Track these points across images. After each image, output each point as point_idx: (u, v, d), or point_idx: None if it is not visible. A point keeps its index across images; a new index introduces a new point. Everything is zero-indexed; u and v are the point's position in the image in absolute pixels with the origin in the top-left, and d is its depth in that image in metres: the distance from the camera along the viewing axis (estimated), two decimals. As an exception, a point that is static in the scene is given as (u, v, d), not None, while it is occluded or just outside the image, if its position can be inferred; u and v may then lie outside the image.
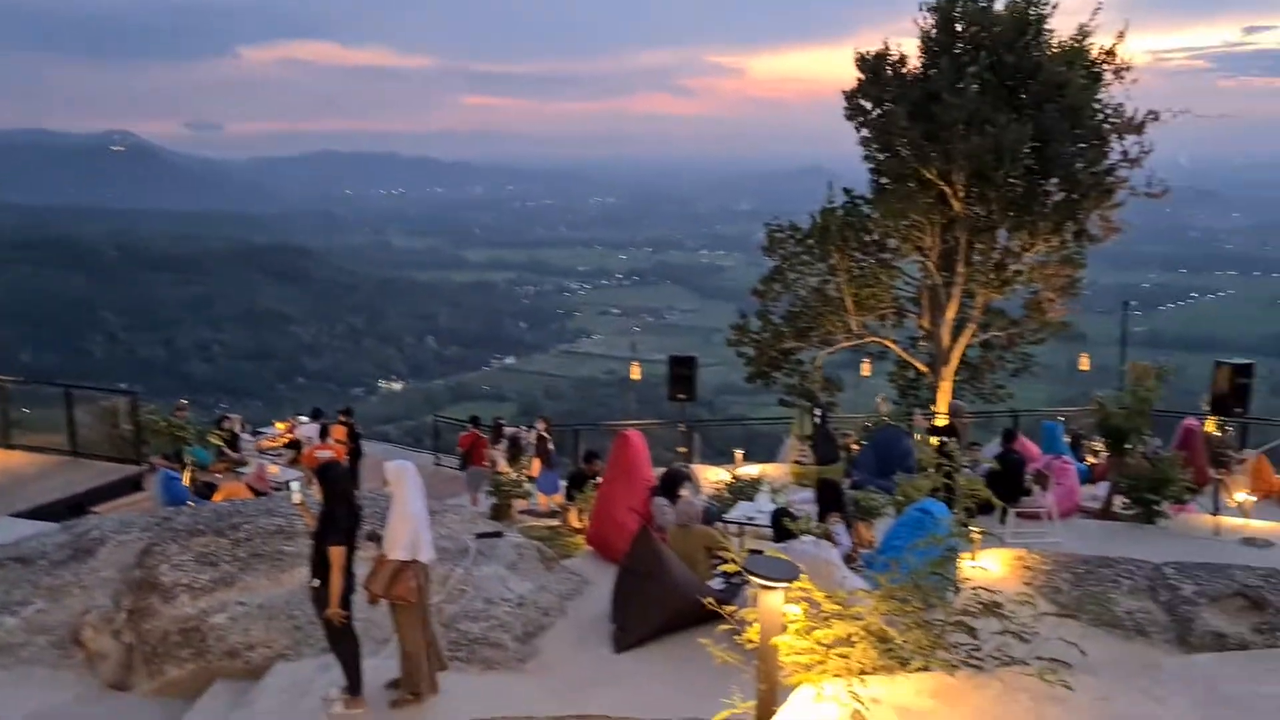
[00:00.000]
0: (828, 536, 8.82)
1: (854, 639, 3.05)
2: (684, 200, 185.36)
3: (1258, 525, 12.40)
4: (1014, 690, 3.01)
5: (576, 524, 11.49)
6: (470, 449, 15.28)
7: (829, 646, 3.05)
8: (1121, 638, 7.31)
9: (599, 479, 11.48)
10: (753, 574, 3.15)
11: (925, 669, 3.13)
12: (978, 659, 3.24)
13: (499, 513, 12.41)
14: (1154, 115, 18.79)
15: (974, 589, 3.58)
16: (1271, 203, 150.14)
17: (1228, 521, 12.47)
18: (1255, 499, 14.15)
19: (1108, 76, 18.93)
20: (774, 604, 3.10)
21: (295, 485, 6.68)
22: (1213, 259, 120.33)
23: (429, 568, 6.40)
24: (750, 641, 3.25)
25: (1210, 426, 14.87)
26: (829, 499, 9.59)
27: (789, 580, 3.15)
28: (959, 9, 18.85)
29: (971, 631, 3.28)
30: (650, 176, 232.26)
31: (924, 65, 19.14)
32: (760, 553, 3.40)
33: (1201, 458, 14.08)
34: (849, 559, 8.57)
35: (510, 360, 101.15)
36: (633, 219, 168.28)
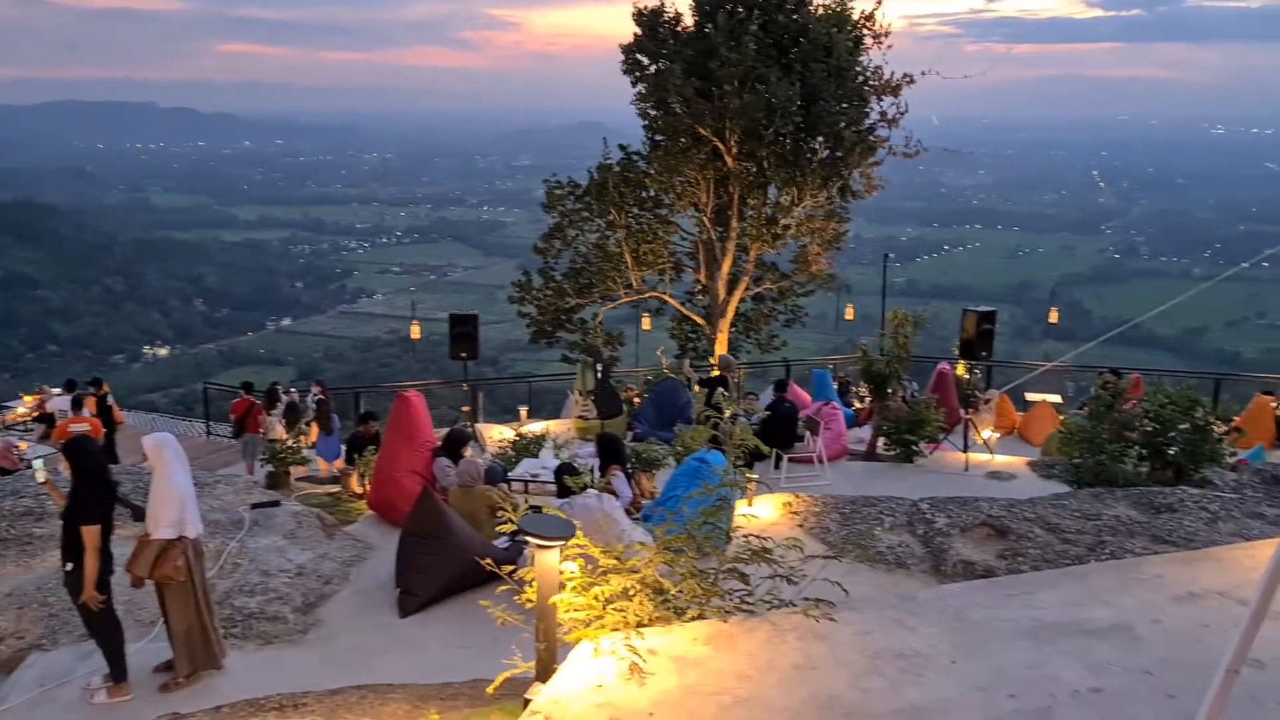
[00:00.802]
0: (610, 489, 8.93)
1: (631, 592, 3.09)
2: (464, 155, 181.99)
3: (1001, 460, 13.42)
4: (783, 631, 3.13)
5: (357, 489, 11.18)
6: (244, 416, 14.57)
7: (607, 601, 3.08)
8: (885, 571, 7.77)
9: (379, 441, 11.20)
10: (528, 533, 3.14)
11: (700, 617, 3.21)
12: (749, 604, 3.35)
13: (275, 481, 11.90)
14: (909, 77, 19.89)
15: (746, 536, 3.70)
16: (1012, 160, 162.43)
17: (976, 457, 13.42)
18: (999, 435, 15.37)
19: (868, 40, 19.86)
20: (550, 562, 3.11)
21: (38, 463, 6.17)
22: (962, 213, 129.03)
23: (199, 543, 6.07)
24: (529, 601, 3.24)
25: (961, 370, 15.99)
26: (610, 452, 9.68)
27: (565, 538, 3.15)
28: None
29: (744, 578, 3.39)
30: (428, 131, 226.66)
31: (699, 22, 19.45)
32: (539, 510, 3.39)
33: (953, 399, 15.06)
34: (631, 510, 8.72)
35: (286, 322, 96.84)
36: (411, 175, 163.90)
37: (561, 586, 3.13)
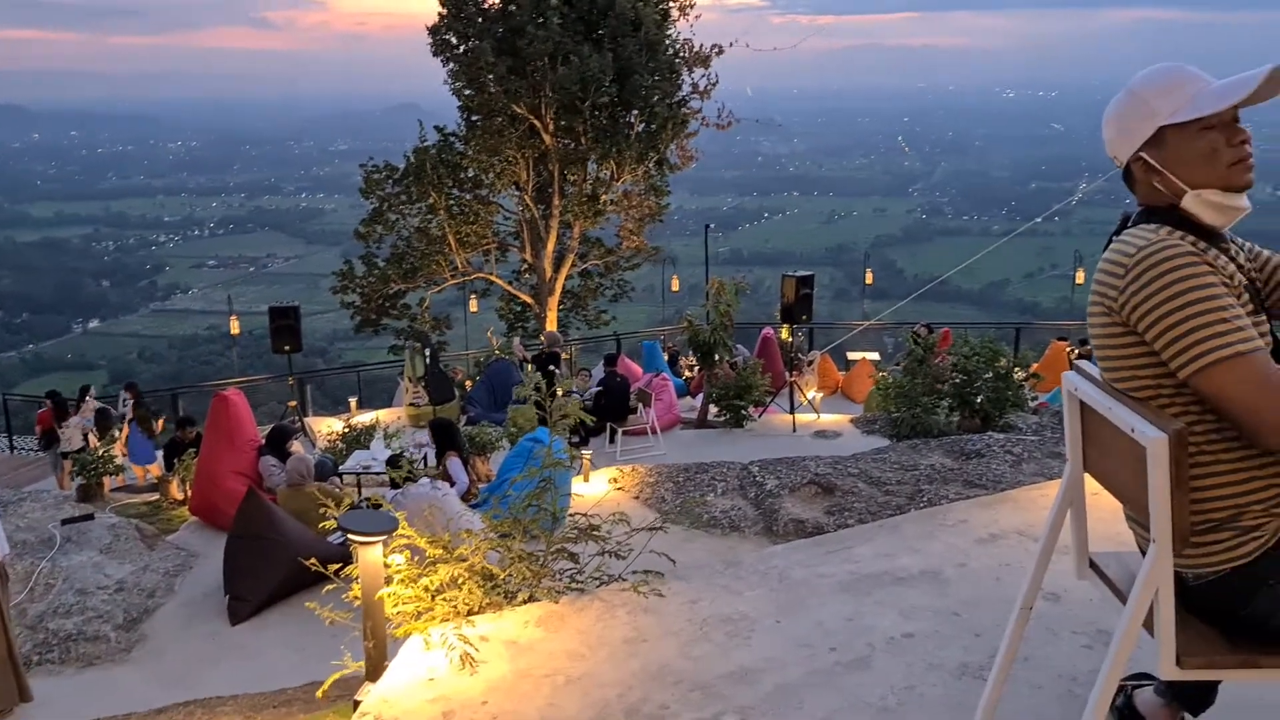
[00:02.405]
0: (445, 476, 8.83)
1: (460, 581, 3.07)
2: (276, 142, 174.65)
3: (827, 419, 13.92)
4: (613, 607, 3.17)
5: (178, 495, 10.68)
6: (51, 427, 13.70)
7: (435, 592, 3.05)
8: (720, 536, 7.94)
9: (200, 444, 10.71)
10: (348, 530, 3.08)
11: (532, 600, 3.22)
12: (580, 583, 3.38)
13: (89, 493, 11.24)
14: (718, 49, 20.25)
15: (574, 515, 3.73)
16: (823, 128, 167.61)
17: (803, 418, 13.88)
18: (823, 395, 15.92)
19: (675, 13, 20.12)
20: (374, 557, 3.05)
21: None
22: (779, 181, 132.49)
23: (2, 566, 5.69)
24: (356, 599, 3.18)
25: (785, 334, 16.47)
26: (444, 438, 9.57)
27: (388, 531, 3.10)
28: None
29: (573, 557, 3.41)
30: (236, 118, 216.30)
31: (504, 1, 19.27)
32: (365, 504, 3.32)
33: (778, 363, 15.51)
34: (468, 496, 8.65)
35: (95, 324, 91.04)
36: (221, 163, 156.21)
37: (387, 581, 3.09)
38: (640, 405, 13.12)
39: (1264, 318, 1.83)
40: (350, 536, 3.07)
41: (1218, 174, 1.80)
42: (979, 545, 3.64)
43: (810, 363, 16.80)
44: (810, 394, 14.89)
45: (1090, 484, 2.09)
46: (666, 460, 10.95)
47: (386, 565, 3.12)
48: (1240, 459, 1.78)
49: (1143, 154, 1.88)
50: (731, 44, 20.48)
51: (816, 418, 13.96)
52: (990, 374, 10.45)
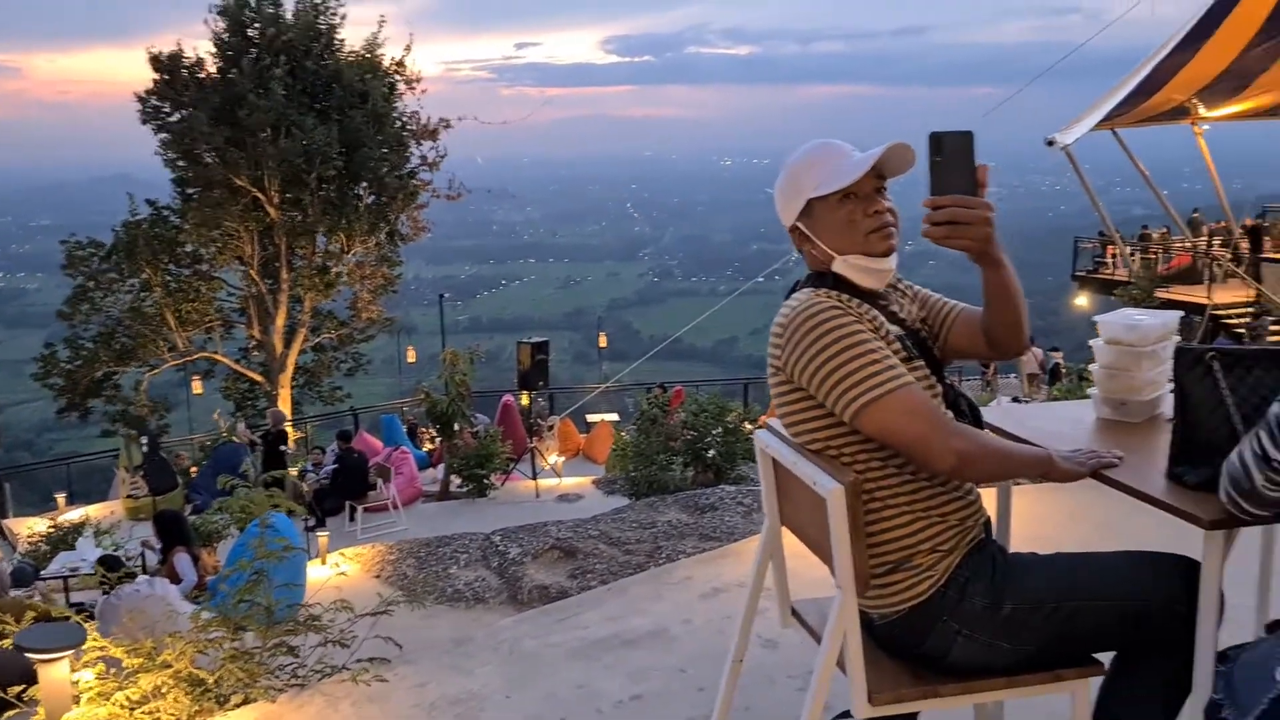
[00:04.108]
0: (171, 573, 8.21)
1: (164, 689, 2.85)
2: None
3: (569, 482, 14.03)
4: (335, 700, 3.03)
5: None
6: None
7: (136, 705, 2.81)
8: (465, 609, 7.79)
9: None
10: (24, 648, 2.79)
11: (247, 701, 3.03)
12: (301, 678, 3.22)
13: None
14: (446, 122, 20.36)
15: (306, 605, 3.56)
16: (555, 196, 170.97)
17: (546, 483, 13.92)
18: (565, 458, 16.05)
19: (401, 86, 20.08)
20: (58, 675, 2.78)
21: None
22: (515, 249, 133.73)
23: None
24: (45, 723, 2.88)
25: (524, 400, 16.52)
26: (169, 530, 8.89)
27: (74, 644, 2.83)
28: (248, 13, 18.61)
29: (293, 650, 3.25)
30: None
31: (222, 69, 18.59)
32: (47, 619, 3.02)
33: (519, 429, 15.55)
34: (197, 593, 8.07)
35: None
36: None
37: (76, 700, 2.82)
38: (380, 481, 12.78)
39: (921, 363, 1.98)
40: (29, 654, 2.78)
41: (857, 241, 1.95)
42: (703, 600, 3.76)
43: (550, 427, 16.93)
44: (552, 458, 14.98)
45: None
46: (409, 535, 10.68)
47: (74, 683, 2.84)
48: (909, 503, 1.93)
49: (798, 224, 2.03)
50: (461, 119, 20.64)
51: (559, 481, 14.05)
52: (720, 429, 10.90)
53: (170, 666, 2.84)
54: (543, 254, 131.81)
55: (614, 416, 18.93)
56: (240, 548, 8.17)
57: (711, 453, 10.97)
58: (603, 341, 32.54)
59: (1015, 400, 15.76)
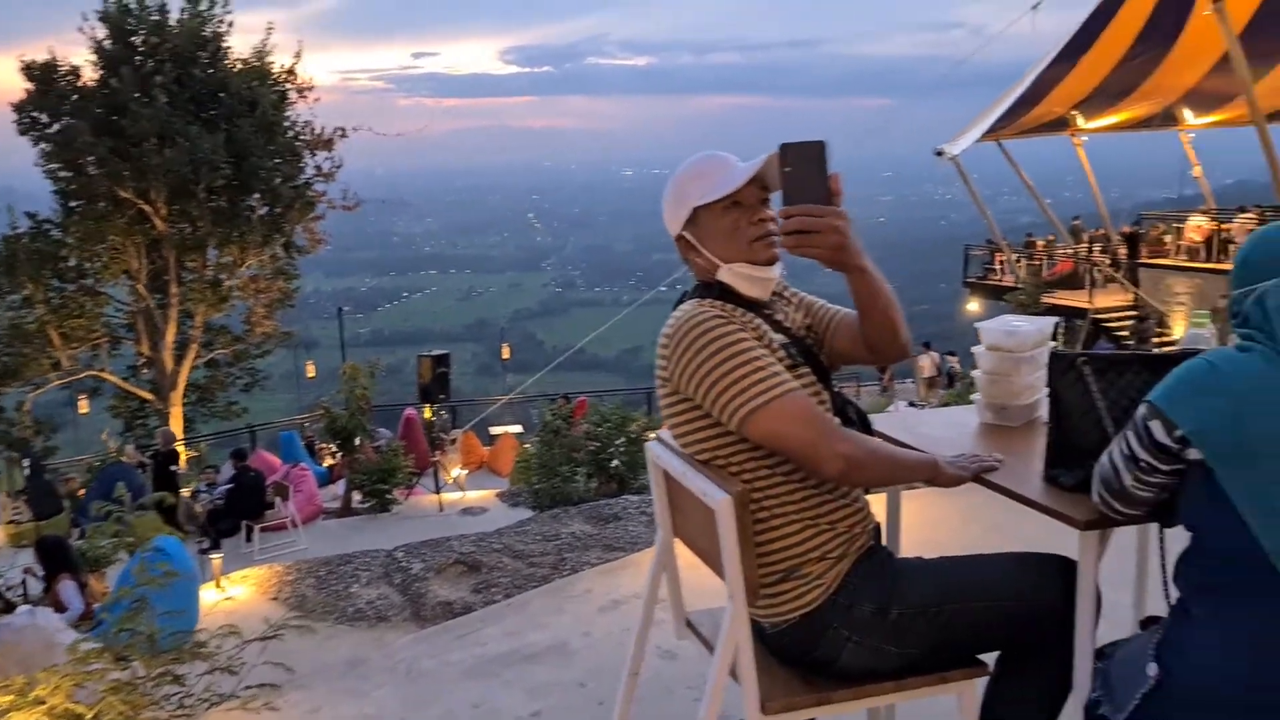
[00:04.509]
0: (56, 602, 7.87)
1: (40, 727, 2.72)
2: None
3: (473, 496, 13.91)
4: (225, 728, 2.94)
5: None
6: None
7: (8, 746, 2.68)
8: (367, 629, 7.63)
9: None
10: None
11: (132, 735, 2.92)
12: (188, 708, 3.12)
13: None
14: (341, 131, 20.00)
15: (190, 633, 3.45)
16: (456, 207, 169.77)
17: (449, 497, 13.77)
18: (468, 472, 15.91)
19: (293, 95, 19.67)
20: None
21: None
22: (416, 260, 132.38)
23: None
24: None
25: (427, 413, 16.33)
26: (53, 556, 8.52)
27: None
28: (131, 20, 18.04)
29: (178, 679, 3.14)
30: None
31: (103, 77, 17.97)
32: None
33: (422, 443, 15.37)
34: (83, 623, 7.75)
35: None
36: None
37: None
38: (278, 499, 12.48)
39: (807, 370, 2.01)
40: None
41: (740, 250, 1.97)
42: (603, 613, 3.75)
43: (453, 440, 16.77)
44: (455, 471, 14.83)
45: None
46: (309, 554, 10.45)
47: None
48: (798, 512, 1.95)
49: (684, 233, 2.06)
50: (356, 129, 20.29)
51: (462, 495, 13.91)
52: (623, 439, 10.91)
53: (44, 703, 2.72)
54: (444, 265, 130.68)
55: (518, 428, 18.83)
56: (127, 574, 7.90)
57: (615, 463, 10.97)
58: (505, 353, 32.39)
59: (911, 405, 16.15)
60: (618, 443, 10.93)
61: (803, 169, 1.83)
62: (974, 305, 23.96)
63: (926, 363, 20.09)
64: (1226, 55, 13.24)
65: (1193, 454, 1.63)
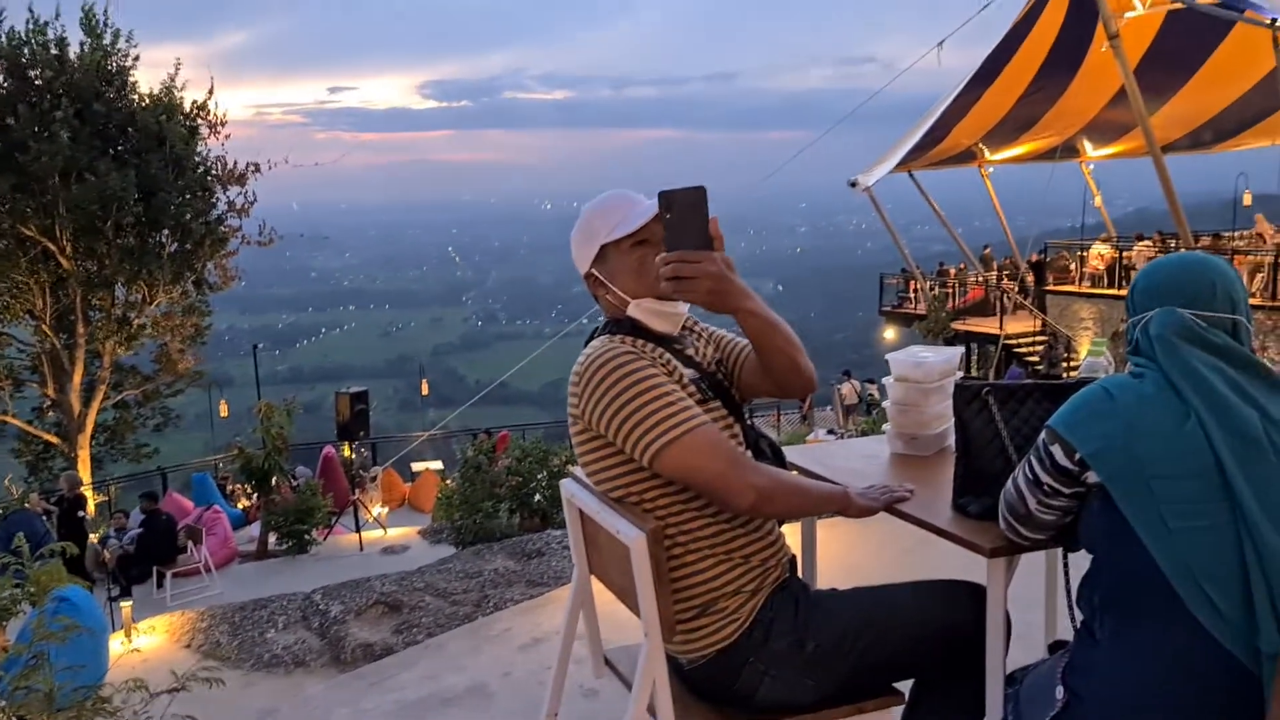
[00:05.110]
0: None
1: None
2: None
3: (394, 534, 13.68)
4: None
5: None
6: None
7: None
8: (284, 675, 7.43)
9: None
10: None
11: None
12: (88, 769, 2.99)
13: None
14: (254, 166, 19.67)
15: (96, 687, 3.32)
16: (375, 242, 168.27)
17: (370, 536, 13.53)
18: (389, 509, 15.67)
19: (205, 130, 19.32)
20: None
21: None
22: (335, 296, 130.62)
23: None
24: None
25: (346, 451, 16.06)
26: (-55, 614, 8.17)
27: None
28: (26, 56, 17.56)
29: (76, 739, 3.01)
30: None
31: (-1, 113, 17.44)
32: None
33: (341, 481, 15.10)
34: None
35: None
36: None
37: None
38: (190, 543, 12.15)
39: (718, 404, 2.02)
40: None
41: (648, 285, 1.98)
42: (523, 652, 3.71)
43: (373, 478, 16.52)
44: (376, 509, 14.59)
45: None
46: (223, 599, 10.18)
47: None
48: (711, 547, 1.95)
49: (592, 270, 2.07)
50: (271, 164, 19.98)
51: (384, 533, 13.68)
52: (544, 473, 10.84)
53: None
54: (363, 300, 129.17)
55: (439, 464, 18.62)
56: (26, 628, 7.59)
57: (538, 498, 10.90)
58: (425, 389, 32.04)
59: (831, 432, 16.36)
60: (540, 477, 10.86)
61: (681, 215, 1.84)
62: (890, 333, 24.42)
63: (848, 390, 20.41)
64: (1123, 89, 13.76)
65: (1091, 477, 1.68)
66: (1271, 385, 1.67)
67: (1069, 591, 1.92)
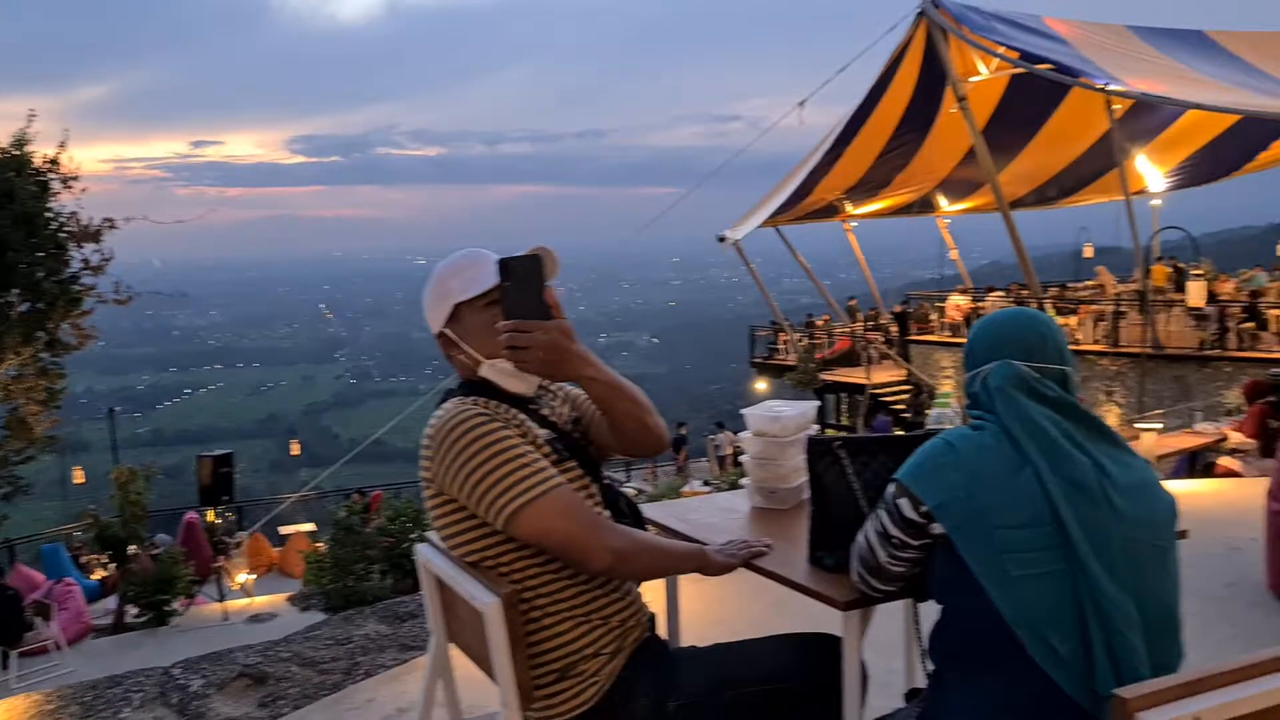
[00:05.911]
0: None
1: None
2: None
3: (261, 600, 13.20)
4: None
5: None
6: None
7: None
8: (138, 757, 7.06)
9: None
10: None
11: None
12: None
13: None
14: (110, 222, 18.92)
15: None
16: (243, 299, 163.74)
17: (235, 604, 13.02)
18: (256, 576, 15.11)
19: (56, 185, 18.55)
20: None
21: None
22: (200, 355, 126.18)
23: None
24: None
25: (209, 516, 15.46)
26: None
27: None
28: None
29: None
30: None
31: None
32: None
33: (204, 548, 14.52)
34: None
35: None
36: None
37: None
38: (38, 619, 11.49)
39: (574, 464, 2.01)
40: None
41: (501, 345, 1.93)
42: (388, 724, 3.60)
43: (239, 544, 15.92)
44: (241, 576, 14.05)
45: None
46: (76, 677, 9.62)
47: None
48: (569, 609, 1.94)
49: (445, 330, 2.06)
50: (129, 220, 19.26)
51: (250, 601, 13.18)
52: (417, 533, 10.63)
53: None
54: (231, 359, 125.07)
55: (310, 527, 18.06)
56: None
57: (412, 558, 10.67)
58: (295, 449, 31.12)
59: (706, 484, 16.48)
60: (413, 536, 10.63)
61: (518, 284, 1.85)
62: (762, 384, 24.84)
63: (724, 441, 20.64)
64: (973, 148, 14.46)
65: (937, 528, 1.73)
66: (1101, 435, 1.76)
67: (920, 640, 1.96)
